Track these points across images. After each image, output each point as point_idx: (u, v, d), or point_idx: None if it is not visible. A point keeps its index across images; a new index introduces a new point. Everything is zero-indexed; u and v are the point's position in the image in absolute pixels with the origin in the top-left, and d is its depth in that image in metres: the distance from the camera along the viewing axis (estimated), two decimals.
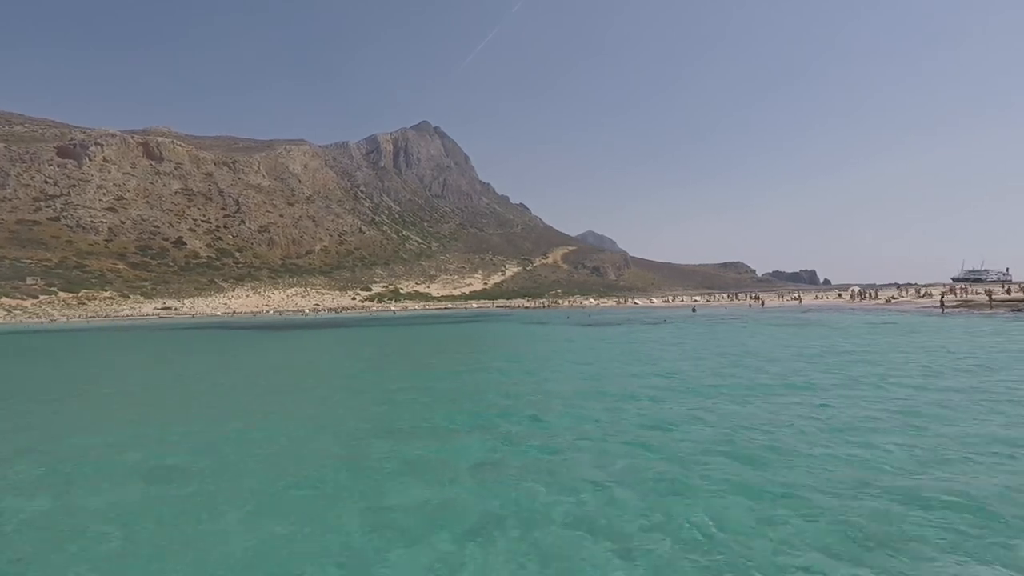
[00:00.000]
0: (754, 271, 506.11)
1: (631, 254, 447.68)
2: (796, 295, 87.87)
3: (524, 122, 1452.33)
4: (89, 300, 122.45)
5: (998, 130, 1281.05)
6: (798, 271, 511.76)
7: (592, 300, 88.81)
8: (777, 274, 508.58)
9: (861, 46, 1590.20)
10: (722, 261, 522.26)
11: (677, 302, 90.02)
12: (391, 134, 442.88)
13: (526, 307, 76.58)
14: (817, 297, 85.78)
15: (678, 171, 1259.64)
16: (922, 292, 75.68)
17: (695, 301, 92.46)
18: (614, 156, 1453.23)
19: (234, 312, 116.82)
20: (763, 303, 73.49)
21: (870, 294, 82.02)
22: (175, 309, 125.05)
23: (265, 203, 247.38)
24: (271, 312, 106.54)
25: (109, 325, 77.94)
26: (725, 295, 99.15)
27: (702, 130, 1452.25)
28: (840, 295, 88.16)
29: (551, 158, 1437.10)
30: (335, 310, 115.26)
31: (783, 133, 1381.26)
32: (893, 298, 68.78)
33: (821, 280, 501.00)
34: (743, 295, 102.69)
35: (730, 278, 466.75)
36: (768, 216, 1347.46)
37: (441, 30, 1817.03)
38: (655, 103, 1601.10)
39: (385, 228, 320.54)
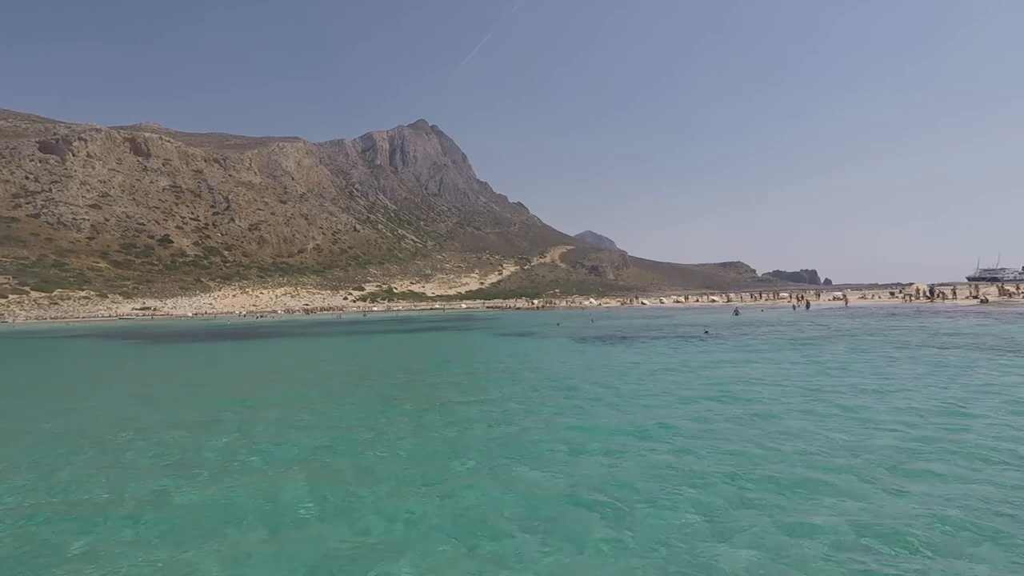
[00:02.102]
0: (754, 271, 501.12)
1: (630, 253, 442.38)
2: (840, 294, 76.70)
3: (522, 121, 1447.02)
4: (63, 300, 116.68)
5: (1000, 128, 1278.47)
6: (799, 271, 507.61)
7: (592, 300, 77.90)
8: (778, 273, 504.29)
9: (860, 42, 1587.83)
10: (722, 261, 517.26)
11: (692, 302, 78.18)
12: (388, 132, 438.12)
13: (518, 308, 66.37)
14: (863, 296, 72.54)
15: (677, 170, 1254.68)
16: (1011, 293, 62.90)
17: (713, 301, 78.82)
18: (612, 155, 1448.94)
19: (205, 313, 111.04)
20: (808, 304, 60.05)
21: (941, 293, 67.17)
22: (155, 309, 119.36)
23: (256, 200, 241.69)
24: (243, 314, 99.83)
25: (47, 328, 68.73)
26: (750, 294, 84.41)
27: (701, 129, 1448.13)
28: (893, 294, 74.86)
29: (549, 157, 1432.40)
30: (313, 311, 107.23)
31: (782, 131, 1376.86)
32: (985, 299, 55.49)
33: (822, 280, 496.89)
34: (769, 294, 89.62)
35: (730, 278, 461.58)
36: (767, 215, 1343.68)
37: (439, 28, 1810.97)
38: (654, 101, 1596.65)
39: (380, 227, 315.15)
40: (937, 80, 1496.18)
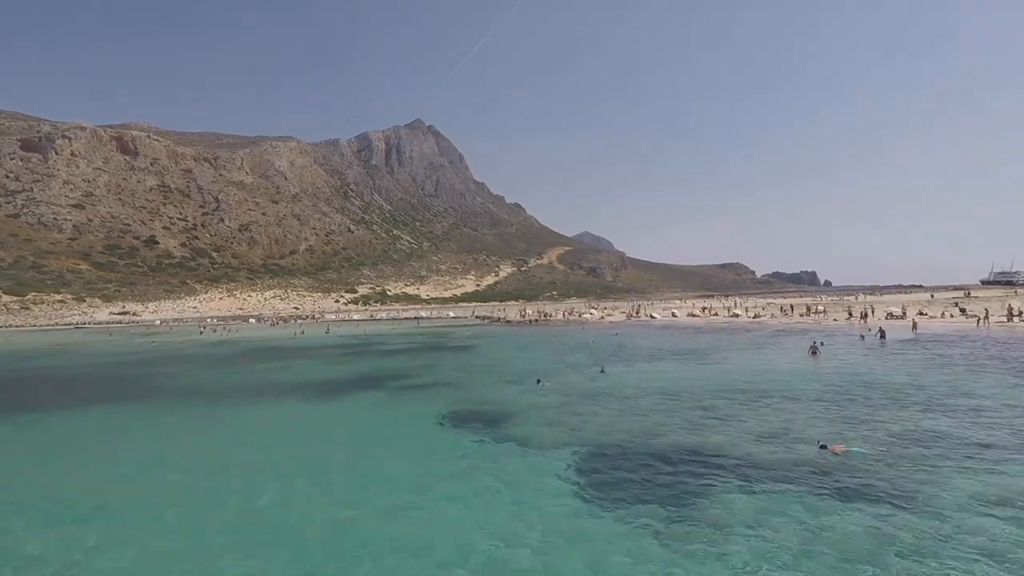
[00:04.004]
0: (753, 272, 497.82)
1: (628, 254, 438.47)
2: (898, 310, 47.83)
3: (520, 121, 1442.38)
4: (36, 304, 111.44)
5: (1001, 129, 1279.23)
6: (798, 272, 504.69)
7: (594, 311, 63.57)
8: (777, 275, 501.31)
9: (858, 38, 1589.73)
10: (721, 262, 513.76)
11: (709, 315, 56.16)
12: (384, 132, 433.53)
13: (509, 322, 55.69)
14: (923, 313, 46.84)
15: (675, 171, 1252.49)
16: None
17: (736, 316, 52.13)
18: (612, 155, 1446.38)
19: (173, 321, 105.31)
20: (883, 334, 36.83)
21: None
22: (134, 314, 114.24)
23: (247, 201, 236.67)
24: (214, 321, 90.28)
25: None
26: (781, 308, 52.98)
27: (701, 130, 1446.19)
28: (963, 309, 48.27)
29: (548, 157, 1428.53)
30: (287, 319, 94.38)
31: (780, 131, 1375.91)
32: None
33: (822, 281, 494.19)
34: (803, 307, 57.33)
35: (729, 279, 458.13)
36: (766, 217, 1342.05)
37: (438, 27, 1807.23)
38: (654, 101, 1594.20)
39: (375, 227, 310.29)
40: (938, 80, 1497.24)
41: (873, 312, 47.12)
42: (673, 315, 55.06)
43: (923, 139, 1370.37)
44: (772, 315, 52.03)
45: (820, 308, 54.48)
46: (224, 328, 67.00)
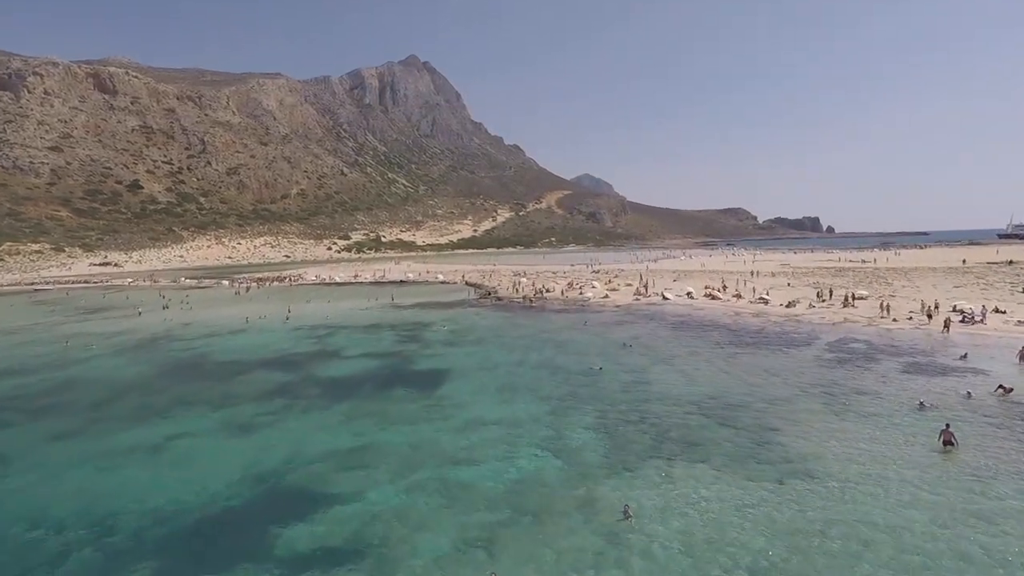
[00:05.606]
0: (755, 218, 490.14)
1: (629, 199, 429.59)
2: (969, 308, 32.79)
3: (520, 56, 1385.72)
4: (12, 255, 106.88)
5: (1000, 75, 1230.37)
6: (800, 218, 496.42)
7: (596, 285, 51.85)
8: (779, 220, 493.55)
9: None
10: (722, 207, 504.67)
11: (730, 298, 44.48)
12: (377, 69, 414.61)
13: (499, 299, 48.00)
14: (1000, 311, 33.12)
15: (677, 112, 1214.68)
16: None
17: (764, 301, 41.23)
18: (613, 90, 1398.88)
19: (153, 274, 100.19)
20: (1007, 391, 18.35)
21: None
22: (115, 264, 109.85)
23: (235, 142, 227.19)
24: (180, 283, 76.31)
25: None
26: (817, 293, 34.31)
27: (704, 71, 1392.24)
28: None
29: (547, 95, 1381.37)
30: (266, 280, 79.27)
31: (782, 77, 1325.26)
32: None
33: (824, 228, 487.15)
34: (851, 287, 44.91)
35: (731, 225, 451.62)
36: (768, 160, 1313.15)
37: None
38: (658, 35, 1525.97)
39: (369, 170, 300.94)
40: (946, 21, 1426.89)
41: (939, 311, 32.10)
42: (689, 296, 42.59)
43: (934, 82, 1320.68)
44: (810, 304, 36.67)
45: (863, 294, 39.78)
46: (183, 302, 53.06)
